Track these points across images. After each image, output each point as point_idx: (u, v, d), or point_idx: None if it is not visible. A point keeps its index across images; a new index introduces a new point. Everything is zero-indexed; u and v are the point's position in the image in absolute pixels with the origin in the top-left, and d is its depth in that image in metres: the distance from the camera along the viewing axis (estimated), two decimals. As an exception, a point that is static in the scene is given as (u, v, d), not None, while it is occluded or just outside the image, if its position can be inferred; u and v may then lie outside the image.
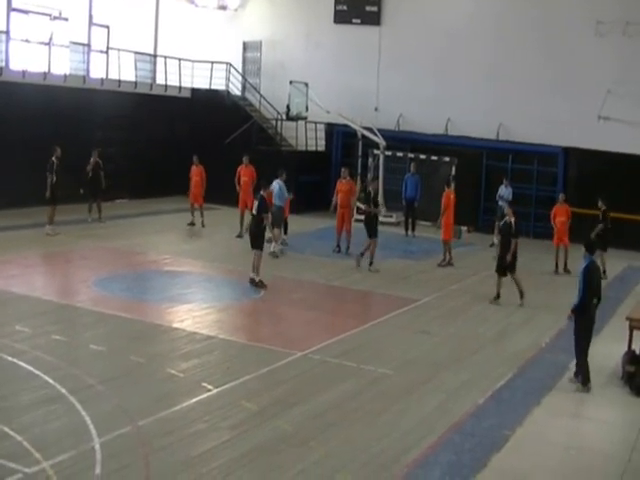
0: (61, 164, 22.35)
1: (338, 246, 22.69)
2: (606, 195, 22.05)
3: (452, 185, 22.07)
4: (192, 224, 25.27)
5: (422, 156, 29.07)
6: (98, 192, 24.86)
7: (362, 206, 20.63)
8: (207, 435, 9.85)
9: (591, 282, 12.49)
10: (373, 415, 10.89)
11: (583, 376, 12.46)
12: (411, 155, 29.31)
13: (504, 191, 25.81)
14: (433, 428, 10.54)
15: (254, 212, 17.99)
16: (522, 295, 17.98)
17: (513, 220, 17.85)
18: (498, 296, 17.92)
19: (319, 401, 11.24)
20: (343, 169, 23.56)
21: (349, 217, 22.92)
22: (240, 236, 22.81)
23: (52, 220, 22.20)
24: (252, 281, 17.88)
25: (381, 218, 27.29)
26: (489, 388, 12.28)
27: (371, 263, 20.56)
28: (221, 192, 26.13)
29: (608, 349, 14.27)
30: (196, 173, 25.41)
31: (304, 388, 11.80)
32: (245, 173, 24.27)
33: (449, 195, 21.81)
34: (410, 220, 26.98)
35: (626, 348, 13.29)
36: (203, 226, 25.18)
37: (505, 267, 17.90)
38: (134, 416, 10.13)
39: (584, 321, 12.48)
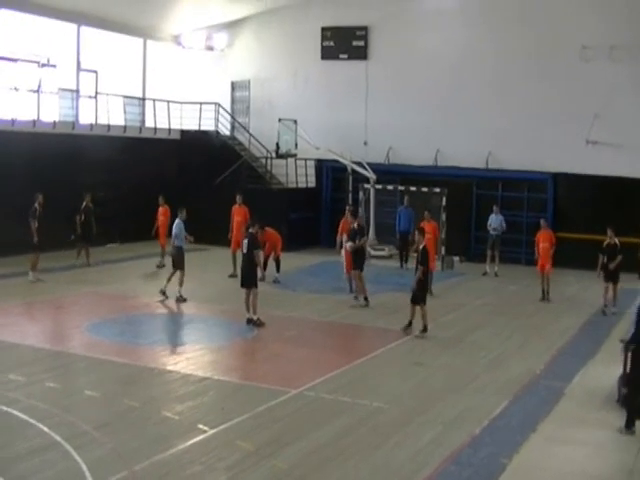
0: (45, 210, 22.25)
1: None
2: (610, 222, 21.52)
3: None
4: (162, 265, 25.09)
5: (412, 188, 29.02)
6: (89, 237, 24.91)
7: (348, 245, 20.07)
8: (204, 477, 9.82)
9: None
10: (369, 449, 10.86)
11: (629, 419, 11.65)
12: (401, 188, 29.31)
13: (494, 219, 25.96)
14: (429, 460, 10.51)
15: (244, 250, 17.97)
16: (424, 329, 17.20)
17: (422, 246, 17.48)
18: (409, 324, 17.43)
19: (314, 438, 11.21)
20: (348, 207, 23.49)
21: None
22: (234, 276, 22.80)
23: (35, 267, 22.08)
24: (250, 321, 17.71)
25: (373, 252, 27.42)
26: (485, 417, 12.25)
27: (356, 297, 20.56)
28: (211, 232, 26.18)
29: (603, 371, 14.30)
30: (161, 213, 25.44)
31: (299, 426, 11.77)
32: (238, 213, 24.12)
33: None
34: (404, 253, 27.01)
35: (621, 370, 13.24)
36: (163, 266, 24.82)
37: (413, 297, 17.33)
38: (130, 461, 10.09)
39: None
